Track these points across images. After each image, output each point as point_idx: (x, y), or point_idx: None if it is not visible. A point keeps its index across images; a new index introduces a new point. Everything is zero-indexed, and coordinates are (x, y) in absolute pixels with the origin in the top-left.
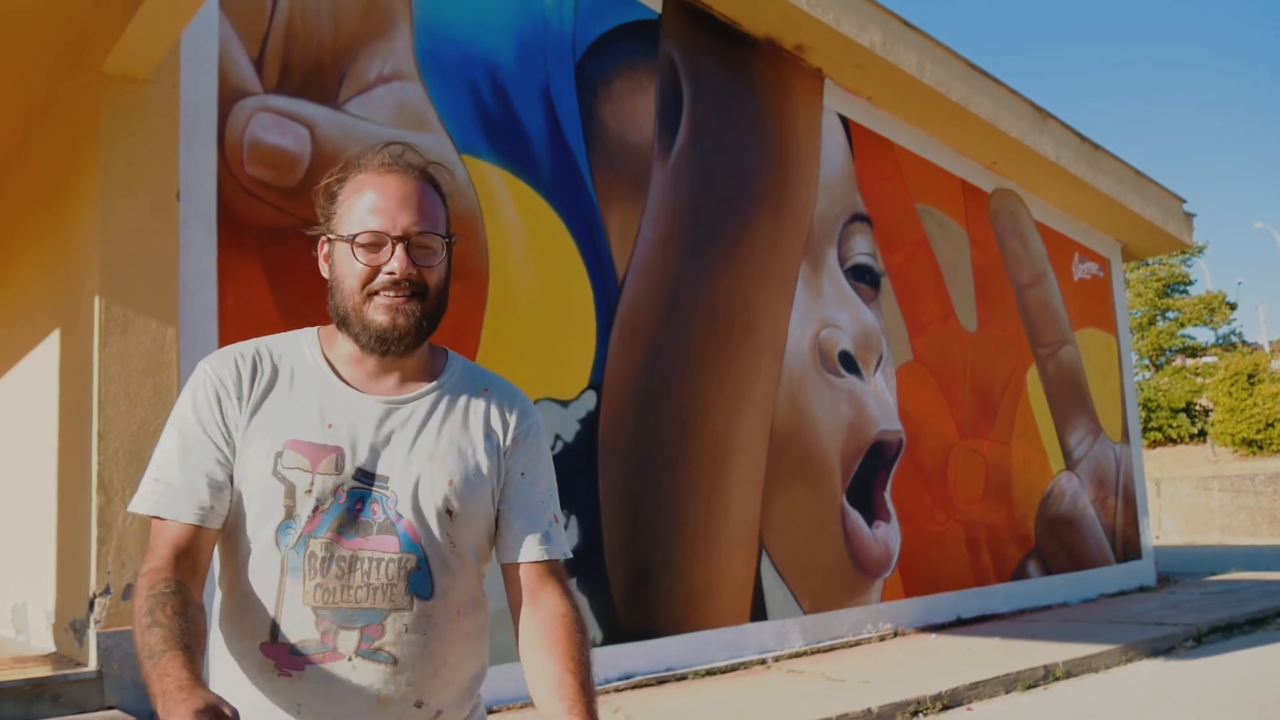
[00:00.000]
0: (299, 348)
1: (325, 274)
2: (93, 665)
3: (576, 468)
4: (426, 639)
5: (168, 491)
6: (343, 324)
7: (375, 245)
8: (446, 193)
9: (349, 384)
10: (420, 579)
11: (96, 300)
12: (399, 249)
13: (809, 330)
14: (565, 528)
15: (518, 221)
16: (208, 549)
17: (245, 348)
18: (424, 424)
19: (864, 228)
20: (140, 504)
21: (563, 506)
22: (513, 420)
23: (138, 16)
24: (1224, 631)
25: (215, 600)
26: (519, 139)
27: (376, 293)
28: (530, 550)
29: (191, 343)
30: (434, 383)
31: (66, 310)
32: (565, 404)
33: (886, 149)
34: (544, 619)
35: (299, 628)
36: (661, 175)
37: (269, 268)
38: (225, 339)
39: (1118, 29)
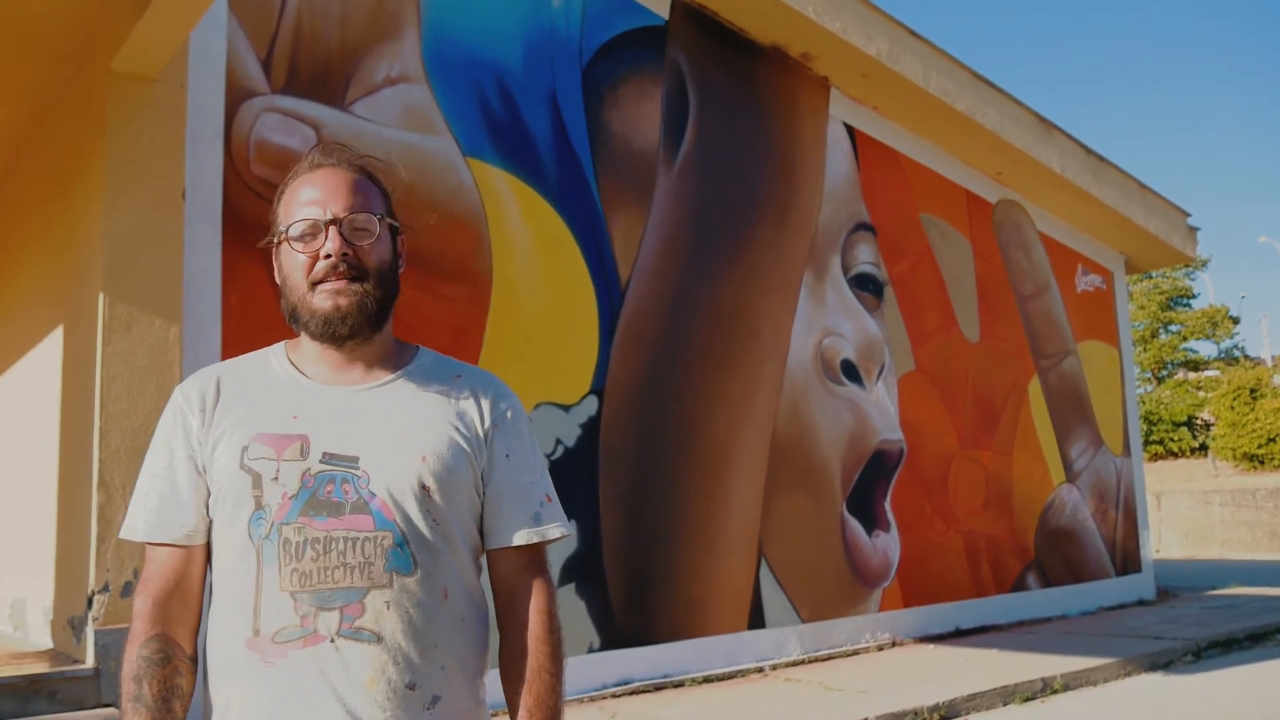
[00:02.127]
0: (265, 359)
1: (278, 280)
2: (90, 662)
3: (577, 472)
4: (410, 617)
5: (150, 516)
6: (294, 319)
7: (311, 234)
8: (385, 185)
9: (315, 381)
10: (399, 556)
11: (100, 298)
12: (332, 231)
13: (812, 338)
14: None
15: (522, 225)
16: (199, 570)
17: (211, 368)
18: (394, 406)
19: (868, 237)
20: (130, 531)
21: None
22: (488, 402)
23: (146, 16)
24: (1223, 646)
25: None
26: (525, 143)
27: (320, 281)
28: (517, 534)
29: (195, 341)
30: (401, 371)
31: (70, 307)
32: (567, 408)
33: (891, 158)
34: (521, 639)
35: (278, 615)
36: (666, 181)
37: (273, 268)
38: (229, 338)
39: (1124, 41)
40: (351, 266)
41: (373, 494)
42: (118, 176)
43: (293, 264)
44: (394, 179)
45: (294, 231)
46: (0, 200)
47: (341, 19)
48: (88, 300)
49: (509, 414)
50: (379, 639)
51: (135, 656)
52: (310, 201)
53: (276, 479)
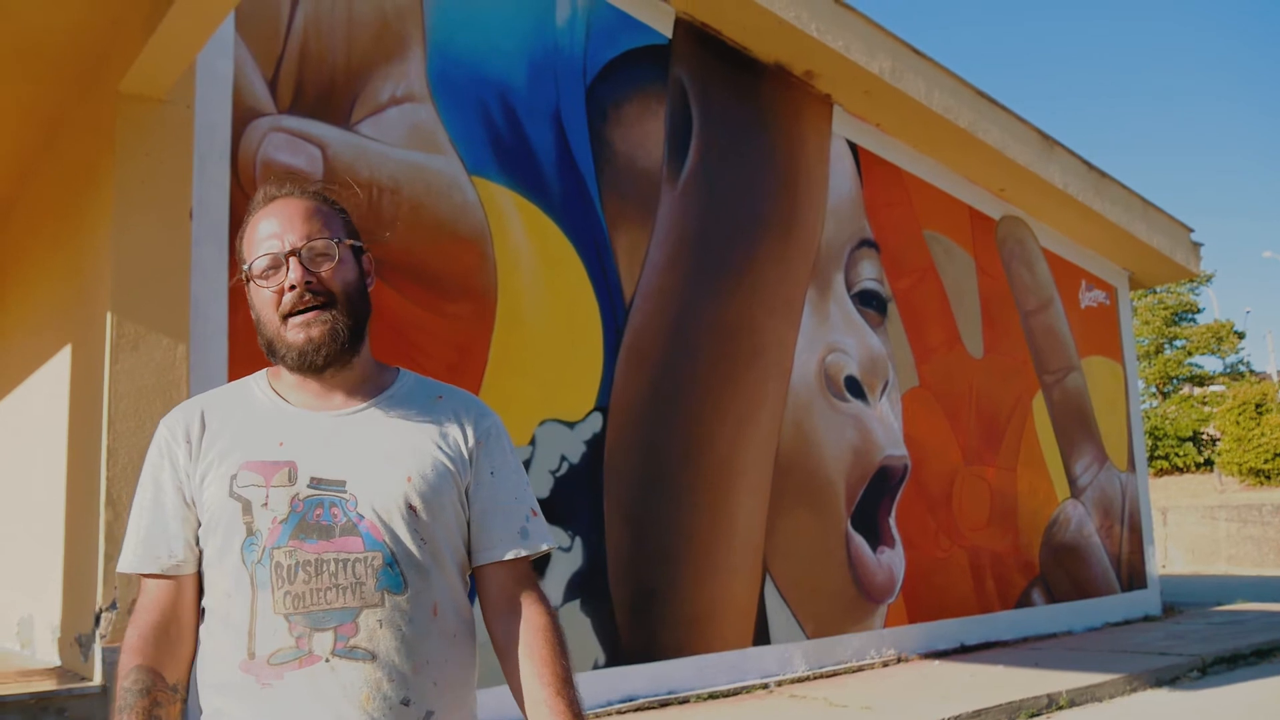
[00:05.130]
0: (247, 387)
1: (253, 317)
2: (97, 680)
3: (581, 489)
4: (403, 634)
5: (139, 548)
6: (271, 353)
7: (274, 268)
8: (343, 206)
9: (297, 408)
10: (390, 576)
11: (108, 316)
12: (292, 262)
13: (815, 355)
14: (569, 549)
15: (527, 243)
16: (190, 600)
17: (194, 400)
18: (377, 429)
19: (871, 253)
20: (124, 565)
21: (567, 527)
22: (470, 422)
23: (155, 37)
24: (1229, 662)
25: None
26: (529, 161)
27: (290, 314)
28: (506, 549)
29: (202, 360)
30: (383, 394)
31: (78, 326)
32: (571, 425)
33: (894, 175)
34: (527, 630)
35: (273, 638)
36: (670, 199)
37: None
38: (235, 357)
39: (1126, 58)
40: (317, 294)
41: (360, 516)
42: (126, 196)
43: (262, 300)
44: (352, 197)
45: (256, 268)
46: (10, 219)
47: (347, 39)
48: (95, 319)
49: (492, 432)
50: (373, 657)
51: (119, 689)
52: (269, 235)
53: (266, 505)
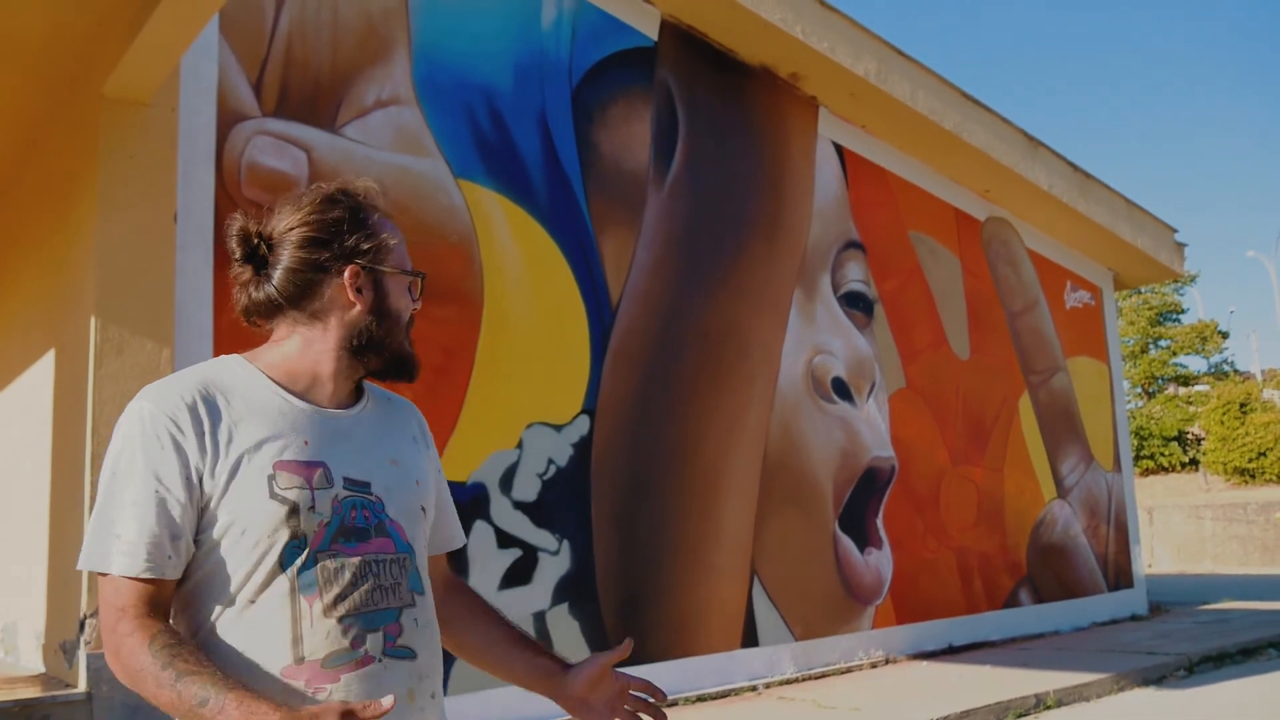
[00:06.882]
0: (235, 375)
1: (353, 298)
2: (82, 687)
3: (569, 492)
4: (430, 629)
5: (143, 551)
6: (370, 349)
7: (415, 283)
8: None
9: (302, 403)
10: (415, 577)
11: (92, 320)
12: (421, 286)
13: (802, 357)
14: (557, 552)
15: (513, 246)
16: (168, 602)
17: (184, 384)
18: (374, 431)
19: (857, 255)
20: (102, 563)
21: (554, 530)
22: (418, 424)
23: (138, 40)
24: (1215, 661)
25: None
26: (515, 164)
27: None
28: (456, 540)
29: (186, 364)
30: (365, 395)
31: (62, 330)
32: (559, 428)
33: (880, 176)
34: (474, 603)
35: (326, 641)
36: (656, 201)
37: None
38: None
39: (1110, 59)
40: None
41: (389, 517)
42: (110, 200)
43: (404, 304)
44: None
45: (417, 279)
46: None
47: (332, 42)
48: (80, 323)
49: (429, 433)
50: (414, 655)
51: (148, 651)
52: (405, 251)
53: (313, 508)
